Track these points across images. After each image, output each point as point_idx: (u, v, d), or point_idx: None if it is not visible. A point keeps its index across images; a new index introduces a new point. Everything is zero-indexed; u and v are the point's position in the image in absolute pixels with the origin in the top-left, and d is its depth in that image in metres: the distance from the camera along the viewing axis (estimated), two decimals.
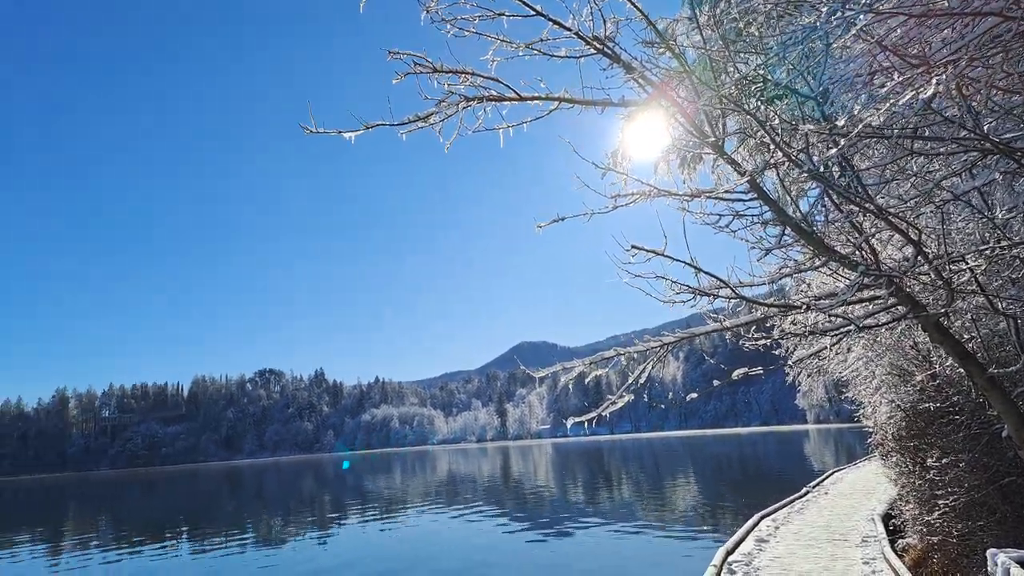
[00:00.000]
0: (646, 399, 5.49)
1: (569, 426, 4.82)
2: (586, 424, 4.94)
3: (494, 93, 4.54)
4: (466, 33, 4.37)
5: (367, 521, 19.83)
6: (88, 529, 24.79)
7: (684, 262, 4.11)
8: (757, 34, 4.40)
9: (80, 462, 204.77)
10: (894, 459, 9.87)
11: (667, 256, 4.13)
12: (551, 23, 4.24)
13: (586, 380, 5.77)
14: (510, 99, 4.59)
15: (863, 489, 15.45)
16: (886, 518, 10.92)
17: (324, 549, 15.03)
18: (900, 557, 8.35)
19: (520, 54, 4.49)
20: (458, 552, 13.11)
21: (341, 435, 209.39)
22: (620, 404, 4.74)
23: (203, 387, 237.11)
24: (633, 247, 4.13)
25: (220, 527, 21.74)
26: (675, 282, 4.17)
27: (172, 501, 36.58)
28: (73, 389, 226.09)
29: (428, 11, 4.25)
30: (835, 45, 3.28)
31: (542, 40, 4.37)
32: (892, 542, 9.17)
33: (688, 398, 4.94)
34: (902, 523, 9.57)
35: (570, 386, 4.87)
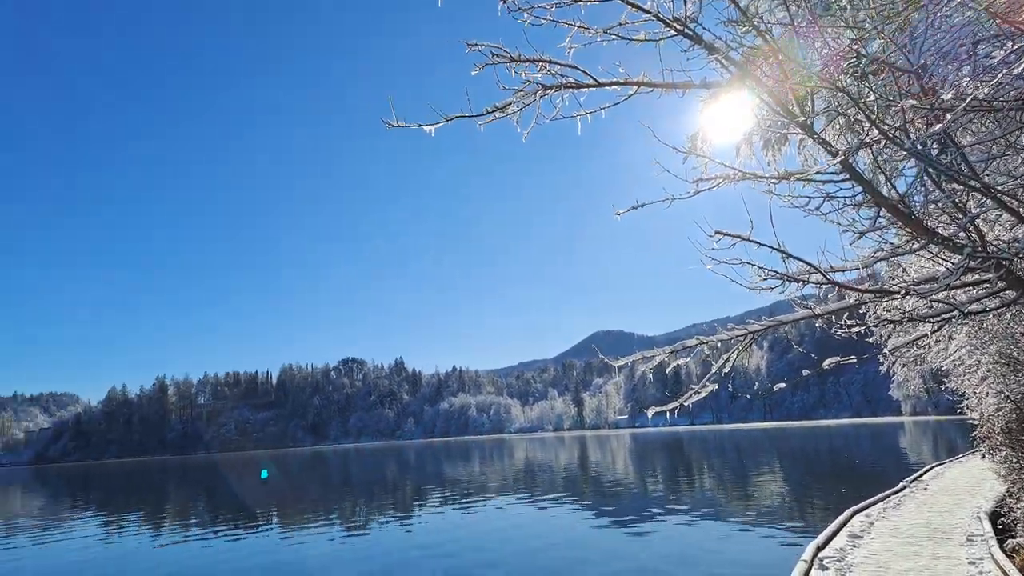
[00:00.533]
0: (730, 389, 5.35)
1: (650, 416, 4.75)
2: (668, 414, 4.87)
3: (572, 80, 4.50)
4: (543, 21, 4.34)
5: (447, 506, 20.23)
6: (186, 509, 26.35)
7: (771, 247, 3.96)
8: (848, 6, 4.19)
9: (179, 446, 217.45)
10: (1003, 454, 9.29)
11: (753, 241, 3.99)
12: (629, 6, 4.15)
13: (667, 369, 5.69)
14: (588, 86, 4.54)
15: (967, 485, 14.60)
16: (993, 516, 10.29)
17: (406, 534, 15.42)
18: (1010, 558, 7.85)
19: (598, 40, 4.42)
20: (536, 539, 13.22)
21: (420, 422, 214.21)
22: (703, 394, 4.64)
23: (290, 375, 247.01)
24: (717, 232, 4.02)
25: (307, 509, 22.69)
26: (762, 268, 4.03)
27: (261, 484, 38.39)
28: (171, 377, 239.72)
29: (505, 1, 4.24)
30: (936, 15, 3.08)
31: (620, 24, 4.29)
32: (1001, 542, 8.63)
33: (775, 388, 4.78)
34: (1012, 522, 9.01)
35: (649, 376, 4.83)
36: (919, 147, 3.60)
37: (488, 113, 4.53)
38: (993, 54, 2.66)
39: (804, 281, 4.08)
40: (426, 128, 4.53)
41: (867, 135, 3.94)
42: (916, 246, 4.00)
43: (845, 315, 4.47)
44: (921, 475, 16.82)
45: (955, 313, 3.86)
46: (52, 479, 70.83)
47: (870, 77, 4.03)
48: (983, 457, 12.21)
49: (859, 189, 4.12)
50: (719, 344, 4.55)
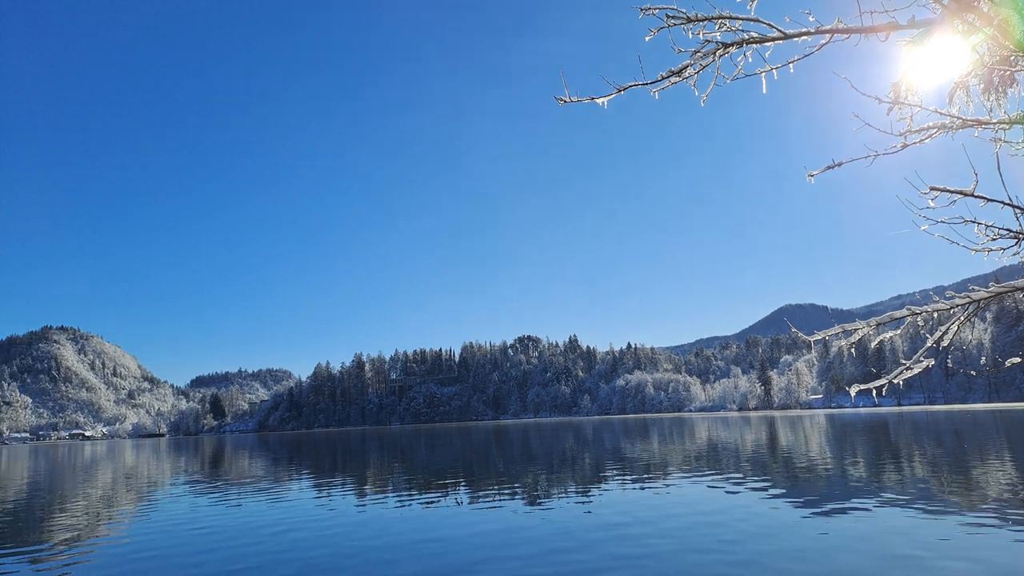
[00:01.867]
0: (949, 364, 4.77)
1: (853, 394, 4.36)
2: (872, 393, 4.46)
3: (755, 35, 4.20)
4: None
5: (626, 482, 20.18)
6: (386, 473, 28.65)
7: (1002, 202, 3.45)
8: None
9: (376, 417, 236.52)
10: None
11: (979, 196, 3.50)
12: None
13: (871, 345, 5.18)
14: (773, 39, 4.22)
15: None
16: None
17: (587, 507, 15.58)
18: None
19: None
20: (721, 521, 12.79)
21: (596, 399, 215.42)
22: (916, 370, 4.18)
23: (471, 352, 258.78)
24: (932, 189, 3.57)
25: (492, 477, 23.75)
26: (990, 226, 3.52)
27: (451, 452, 40.76)
28: (367, 354, 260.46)
29: None
30: None
31: None
32: None
33: (1008, 363, 4.17)
34: None
35: (846, 352, 4.45)
36: None
37: (663, 79, 4.36)
38: None
39: None
40: (599, 101, 4.48)
41: None
42: None
43: None
44: None
45: None
46: (272, 444, 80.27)
47: None
48: None
49: None
50: (935, 315, 4.06)
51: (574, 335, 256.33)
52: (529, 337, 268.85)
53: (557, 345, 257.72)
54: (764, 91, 4.30)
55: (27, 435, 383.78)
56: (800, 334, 4.39)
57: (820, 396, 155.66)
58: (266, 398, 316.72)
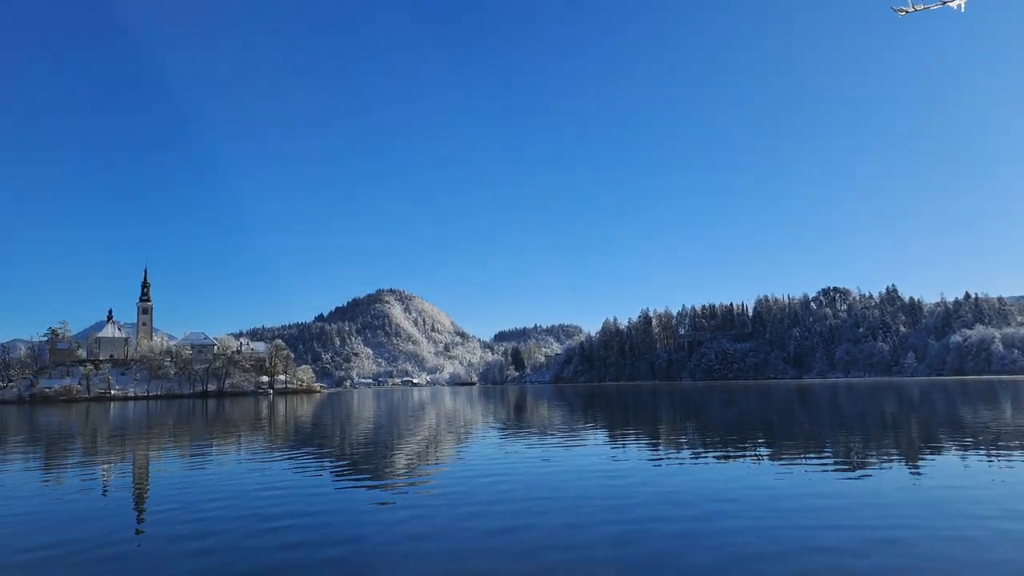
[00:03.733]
0: None
1: None
2: None
3: None
4: None
5: (964, 454, 16.81)
6: (678, 428, 27.94)
7: None
8: None
9: (665, 372, 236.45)
10: None
11: None
12: None
13: None
14: None
15: None
16: None
17: (913, 479, 13.19)
18: None
19: None
20: None
21: (924, 357, 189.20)
22: None
23: (766, 306, 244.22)
24: None
25: (796, 439, 21.63)
26: None
27: (747, 410, 38.53)
28: (653, 310, 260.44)
29: None
30: None
31: None
32: None
33: None
34: None
35: None
36: None
37: None
38: None
39: None
40: (952, 4, 4.41)
41: None
42: None
43: None
44: None
45: None
46: (568, 394, 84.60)
47: None
48: None
49: None
50: None
51: (892, 285, 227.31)
52: (835, 289, 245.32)
53: (871, 297, 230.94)
54: None
55: (370, 380, 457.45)
56: None
57: None
58: (559, 352, 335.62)
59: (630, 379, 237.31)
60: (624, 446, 20.67)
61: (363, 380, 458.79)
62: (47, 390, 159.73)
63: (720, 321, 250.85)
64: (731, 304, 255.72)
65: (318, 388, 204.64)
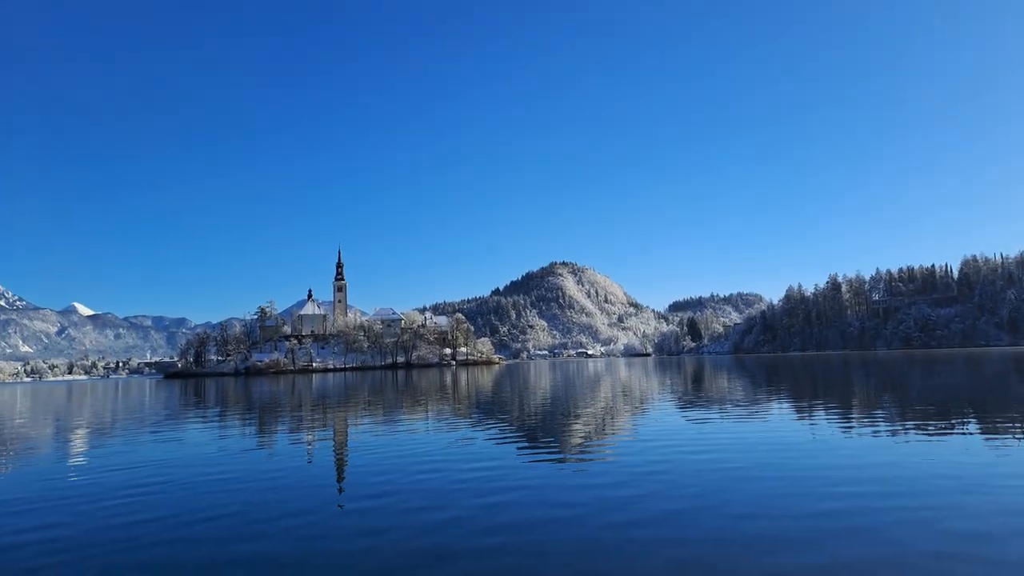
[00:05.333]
0: None
1: None
2: None
3: None
4: None
5: None
6: (872, 400, 26.22)
7: None
8: None
9: (857, 341, 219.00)
10: None
11: None
12: None
13: None
14: None
15: None
16: None
17: None
18: None
19: None
20: None
21: None
22: None
23: (974, 267, 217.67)
24: None
25: (1015, 413, 19.57)
26: None
27: (952, 382, 35.11)
28: (843, 275, 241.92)
29: None
30: None
31: None
32: None
33: None
34: None
35: None
36: None
37: None
38: None
39: None
40: None
41: None
42: None
43: None
44: None
45: None
46: (749, 365, 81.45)
47: None
48: None
49: None
50: None
51: None
52: None
53: None
54: None
55: (545, 352, 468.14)
56: None
57: None
58: (738, 321, 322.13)
59: (817, 349, 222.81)
60: (820, 419, 19.93)
61: (539, 352, 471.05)
62: (259, 363, 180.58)
63: (920, 285, 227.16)
64: (932, 266, 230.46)
65: (496, 359, 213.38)
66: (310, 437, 20.04)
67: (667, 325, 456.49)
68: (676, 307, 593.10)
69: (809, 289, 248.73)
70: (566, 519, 8.50)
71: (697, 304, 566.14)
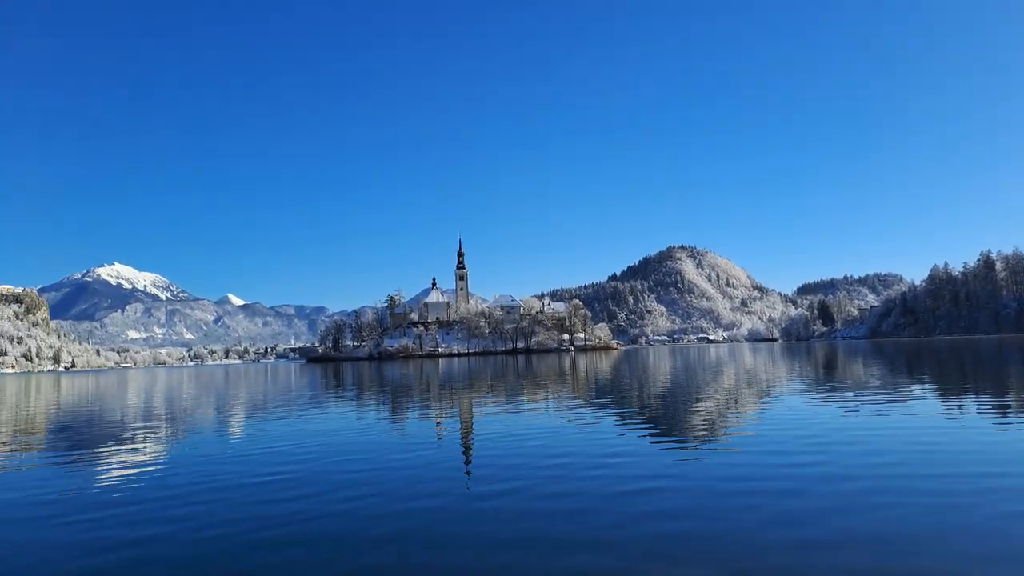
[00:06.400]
0: None
1: None
2: None
3: None
4: None
5: None
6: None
7: None
8: None
9: (1014, 324, 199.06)
10: None
11: None
12: None
13: None
14: None
15: None
16: None
17: None
18: None
19: None
20: None
21: None
22: None
23: None
24: None
25: None
26: None
27: None
28: (998, 252, 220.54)
29: None
30: None
31: None
32: None
33: None
34: None
35: None
36: None
37: None
38: None
39: None
40: None
41: None
42: None
43: None
44: None
45: None
46: (887, 350, 76.09)
47: None
48: None
49: None
50: None
51: None
52: None
53: None
54: None
55: (664, 337, 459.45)
56: None
57: None
58: (875, 303, 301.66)
59: (965, 332, 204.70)
60: (961, 409, 18.53)
61: (658, 337, 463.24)
62: (389, 348, 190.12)
63: None
64: None
65: (614, 345, 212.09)
66: (441, 419, 20.99)
67: (795, 309, 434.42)
68: (805, 290, 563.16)
69: (957, 268, 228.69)
70: (714, 512, 7.98)
71: (829, 286, 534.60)
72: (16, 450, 16.62)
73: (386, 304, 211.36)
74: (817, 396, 23.08)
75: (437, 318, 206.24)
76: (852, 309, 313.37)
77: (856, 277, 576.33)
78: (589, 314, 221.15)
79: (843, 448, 12.10)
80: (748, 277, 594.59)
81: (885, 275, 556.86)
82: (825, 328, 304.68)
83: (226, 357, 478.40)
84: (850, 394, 23.07)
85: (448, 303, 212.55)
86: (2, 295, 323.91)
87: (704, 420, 17.83)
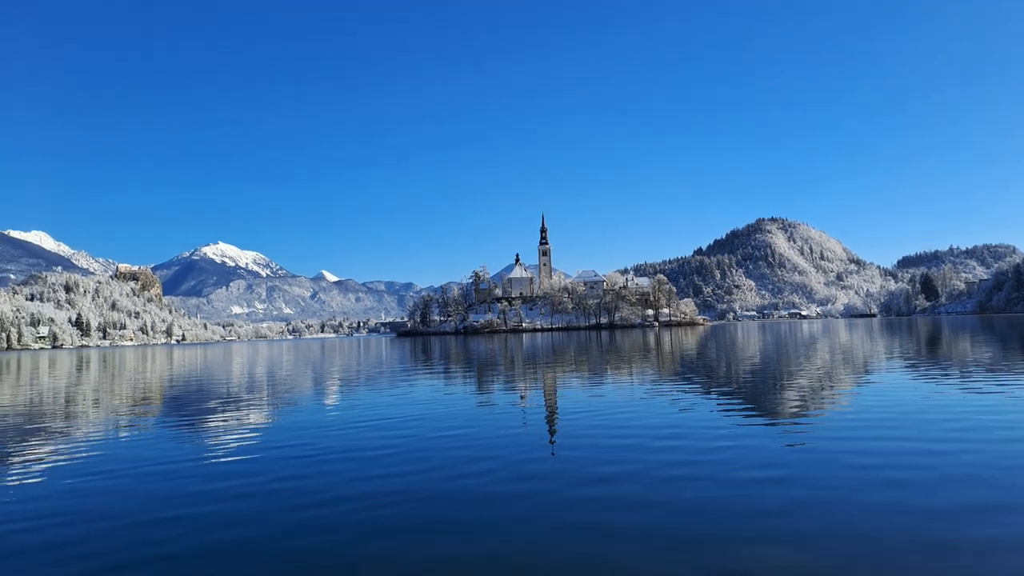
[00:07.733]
0: None
1: None
2: None
3: None
4: None
5: None
6: None
7: None
8: None
9: None
10: None
11: None
12: None
13: None
14: None
15: None
16: None
17: None
18: None
19: None
20: None
21: None
22: None
23: None
24: None
25: None
26: None
27: None
28: None
29: None
30: None
31: None
32: None
33: None
34: None
35: None
36: None
37: None
38: None
39: None
40: None
41: None
42: None
43: None
44: None
45: None
46: (998, 326, 71.29)
47: None
48: None
49: None
50: None
51: None
52: None
53: None
54: None
55: (753, 313, 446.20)
56: None
57: None
58: (985, 276, 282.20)
59: None
60: None
61: (746, 313, 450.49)
62: (475, 323, 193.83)
63: None
64: None
65: (701, 321, 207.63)
66: (527, 394, 21.25)
67: (895, 283, 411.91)
68: (906, 263, 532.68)
69: None
70: (859, 506, 7.05)
71: (932, 259, 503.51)
72: (140, 415, 18.23)
73: (471, 280, 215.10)
74: (941, 375, 22.03)
75: (520, 293, 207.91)
76: (958, 283, 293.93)
77: (963, 248, 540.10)
78: (674, 289, 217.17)
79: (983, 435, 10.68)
80: (844, 250, 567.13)
81: (996, 246, 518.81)
82: (928, 303, 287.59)
83: (322, 331, 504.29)
84: (982, 373, 21.96)
85: (531, 278, 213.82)
86: (121, 273, 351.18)
87: (812, 400, 17.01)
